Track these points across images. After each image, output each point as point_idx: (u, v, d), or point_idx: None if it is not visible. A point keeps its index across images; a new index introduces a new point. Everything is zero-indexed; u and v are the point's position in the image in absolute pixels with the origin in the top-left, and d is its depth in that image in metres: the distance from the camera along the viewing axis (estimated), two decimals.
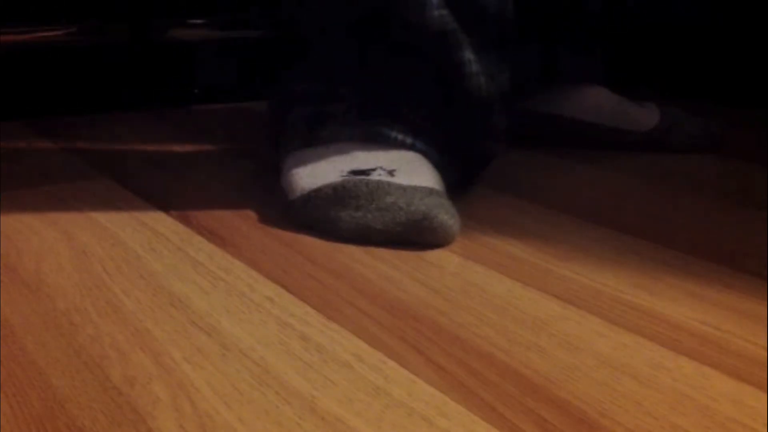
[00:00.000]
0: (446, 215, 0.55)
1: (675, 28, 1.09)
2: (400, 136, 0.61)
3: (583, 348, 0.42)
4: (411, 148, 0.61)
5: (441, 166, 0.62)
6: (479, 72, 0.62)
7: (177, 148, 0.83)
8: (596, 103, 0.84)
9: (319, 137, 0.62)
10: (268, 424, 0.35)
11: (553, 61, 0.83)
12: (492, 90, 0.63)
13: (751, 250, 0.56)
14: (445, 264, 0.53)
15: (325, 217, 0.57)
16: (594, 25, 0.85)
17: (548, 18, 0.83)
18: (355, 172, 0.58)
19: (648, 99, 0.86)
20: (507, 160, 0.72)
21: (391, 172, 0.58)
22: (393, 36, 0.63)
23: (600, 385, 0.38)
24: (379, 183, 0.56)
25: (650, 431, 0.35)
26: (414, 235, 0.55)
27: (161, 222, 0.59)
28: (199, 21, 1.17)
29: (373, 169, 0.58)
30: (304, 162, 0.61)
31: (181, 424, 0.34)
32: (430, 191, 0.57)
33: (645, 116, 0.84)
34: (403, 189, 0.56)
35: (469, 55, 0.62)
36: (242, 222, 0.60)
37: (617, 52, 0.88)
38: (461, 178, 0.65)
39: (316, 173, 0.59)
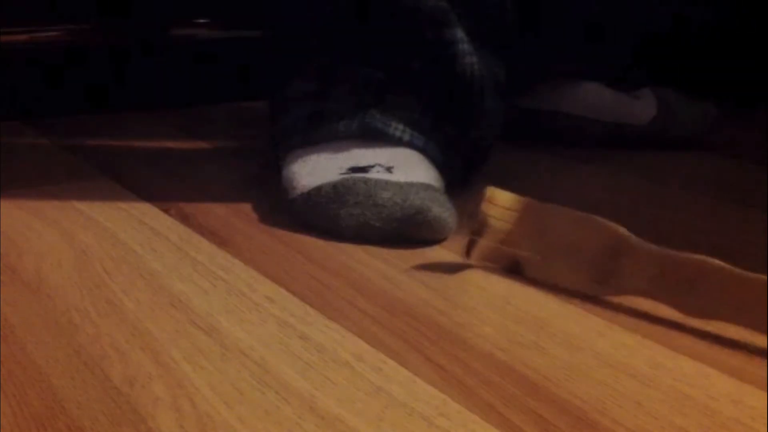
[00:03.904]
0: (440, 209, 0.55)
1: (674, 26, 1.09)
2: (397, 133, 0.61)
3: (583, 347, 0.42)
4: (409, 144, 0.62)
5: (439, 162, 0.63)
6: (470, 52, 0.63)
7: (177, 148, 0.83)
8: (593, 98, 0.84)
9: (318, 136, 0.62)
10: (268, 424, 0.35)
11: (550, 57, 0.83)
12: (483, 73, 0.64)
13: (751, 250, 0.56)
14: (445, 263, 0.53)
15: (325, 215, 0.57)
16: (591, 21, 0.85)
17: (545, 14, 0.83)
18: (354, 170, 0.58)
19: (643, 85, 0.86)
20: (506, 159, 0.72)
21: (389, 169, 0.58)
22: (388, 23, 0.63)
23: (600, 385, 0.38)
24: (377, 180, 0.57)
25: (650, 431, 0.35)
26: (410, 229, 0.55)
27: (161, 222, 0.59)
28: (199, 21, 1.17)
29: (372, 166, 0.59)
30: (303, 161, 0.61)
31: (181, 424, 0.34)
32: (427, 187, 0.57)
33: (642, 109, 0.84)
34: (400, 185, 0.56)
35: (460, 34, 0.62)
36: (242, 222, 0.60)
37: (616, 50, 0.88)
38: (460, 173, 0.65)
39: (315, 172, 0.59)
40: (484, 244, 0.51)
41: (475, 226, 0.51)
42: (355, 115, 0.62)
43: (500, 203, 0.51)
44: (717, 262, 0.43)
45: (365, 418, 0.35)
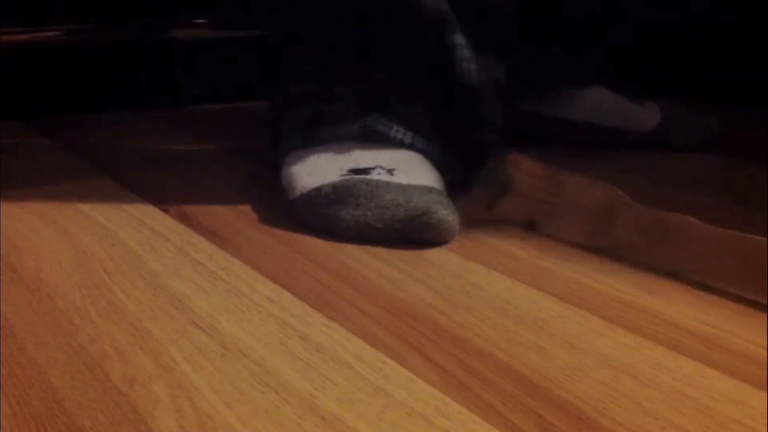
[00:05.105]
0: (445, 211, 0.55)
1: (675, 27, 1.09)
2: (399, 135, 0.61)
3: (583, 348, 0.42)
4: (410, 147, 0.62)
5: (440, 164, 0.63)
6: (470, 58, 0.63)
7: (177, 148, 0.83)
8: (597, 103, 0.84)
9: (319, 137, 0.62)
10: (268, 424, 0.35)
11: (553, 62, 0.83)
12: (483, 77, 0.64)
13: None
14: (445, 264, 0.53)
15: (326, 215, 0.57)
16: (593, 25, 0.85)
17: (547, 19, 0.83)
18: (354, 171, 0.58)
19: (648, 98, 0.86)
20: (507, 161, 0.72)
21: (390, 171, 0.58)
22: (390, 27, 0.63)
23: (600, 385, 0.38)
24: (378, 182, 0.57)
25: (650, 431, 0.35)
26: (413, 231, 0.55)
27: (161, 222, 0.59)
28: (199, 21, 1.17)
29: (373, 168, 0.59)
30: (303, 161, 0.61)
31: (181, 424, 0.34)
32: (429, 189, 0.57)
33: (646, 116, 0.84)
34: (403, 187, 0.56)
35: (460, 39, 0.62)
36: (242, 222, 0.60)
37: (617, 51, 0.88)
38: (461, 175, 0.65)
39: (316, 173, 0.59)
40: (505, 201, 0.62)
41: (497, 185, 0.63)
42: (356, 117, 0.62)
43: (523, 168, 0.63)
44: (696, 220, 0.54)
45: (365, 418, 0.35)
